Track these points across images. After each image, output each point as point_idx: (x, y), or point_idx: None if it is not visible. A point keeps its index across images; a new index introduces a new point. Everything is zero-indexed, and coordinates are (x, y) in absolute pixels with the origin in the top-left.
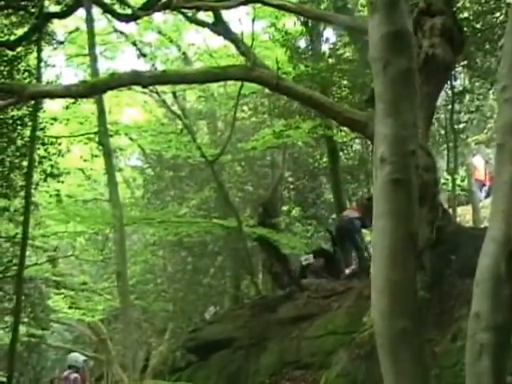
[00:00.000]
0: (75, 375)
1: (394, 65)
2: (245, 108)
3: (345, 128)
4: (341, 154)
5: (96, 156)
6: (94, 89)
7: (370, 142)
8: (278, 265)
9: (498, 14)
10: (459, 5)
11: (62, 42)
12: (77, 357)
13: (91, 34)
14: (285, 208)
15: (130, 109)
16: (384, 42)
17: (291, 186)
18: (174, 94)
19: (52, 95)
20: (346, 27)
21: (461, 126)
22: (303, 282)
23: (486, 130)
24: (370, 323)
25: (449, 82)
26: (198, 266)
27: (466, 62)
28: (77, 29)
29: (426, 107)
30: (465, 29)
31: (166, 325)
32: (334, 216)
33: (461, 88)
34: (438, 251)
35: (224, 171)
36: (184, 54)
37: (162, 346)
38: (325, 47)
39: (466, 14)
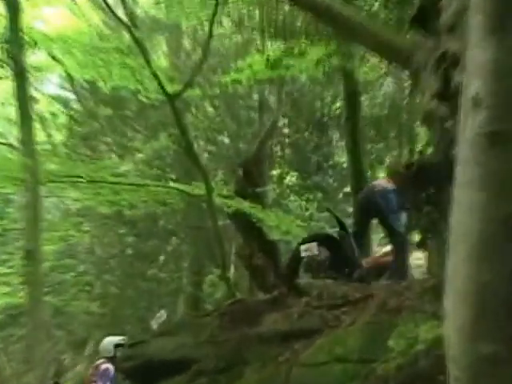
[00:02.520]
0: None
1: None
2: (225, 20)
3: (373, 60)
4: (363, 98)
5: None
6: None
7: (409, 82)
8: (262, 255)
9: None
10: None
11: None
12: None
13: None
14: (276, 172)
15: (49, 9)
16: None
17: (287, 141)
18: None
19: None
20: None
21: None
22: (300, 282)
23: None
24: (398, 348)
25: None
26: (143, 251)
27: None
28: None
29: None
30: None
31: (88, 334)
32: (347, 189)
33: None
34: None
35: (189, 113)
36: None
37: (80, 364)
38: None
39: None
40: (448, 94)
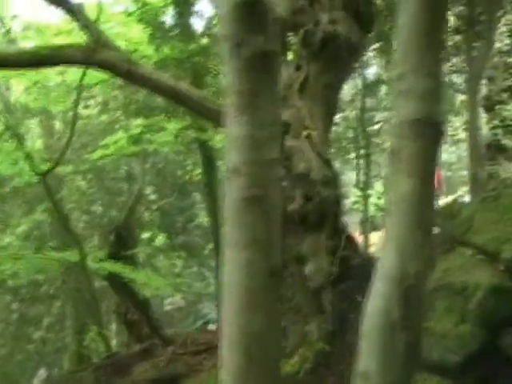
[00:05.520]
0: None
1: (248, 45)
2: (92, 103)
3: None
4: (220, 163)
5: None
6: None
7: None
8: (136, 311)
9: None
10: None
11: None
12: None
13: None
14: (146, 235)
15: None
16: (234, 15)
17: (154, 206)
18: None
19: None
20: None
21: (375, 127)
22: (167, 332)
23: None
24: None
25: (358, 71)
26: (28, 315)
27: (379, 45)
28: None
29: (326, 102)
30: (377, 1)
31: None
32: (211, 245)
33: (374, 78)
34: (341, 289)
35: (64, 186)
36: (8, 30)
37: None
38: (198, 24)
39: None
40: (282, 158)
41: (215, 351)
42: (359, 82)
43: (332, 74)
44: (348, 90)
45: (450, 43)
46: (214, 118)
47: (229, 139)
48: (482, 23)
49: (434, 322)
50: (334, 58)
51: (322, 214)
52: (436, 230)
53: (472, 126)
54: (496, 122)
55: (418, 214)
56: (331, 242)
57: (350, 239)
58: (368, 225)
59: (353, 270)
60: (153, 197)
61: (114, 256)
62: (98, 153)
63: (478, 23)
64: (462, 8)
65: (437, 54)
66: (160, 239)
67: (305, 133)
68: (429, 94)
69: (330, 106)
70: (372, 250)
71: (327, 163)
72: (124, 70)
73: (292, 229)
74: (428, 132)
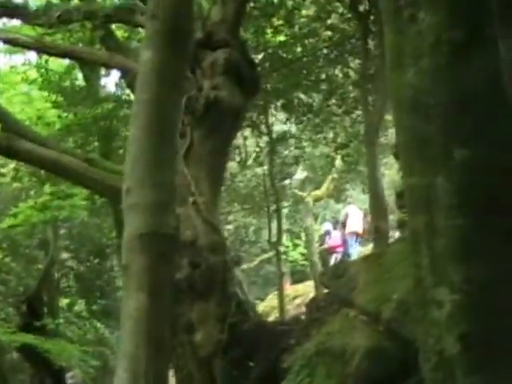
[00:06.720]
0: None
1: None
2: (5, 171)
3: None
4: None
5: None
6: None
7: None
8: (51, 381)
9: (319, 38)
10: (273, 27)
11: None
12: None
13: None
14: (64, 302)
15: None
16: None
17: (72, 272)
18: None
19: None
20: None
21: (288, 181)
22: None
23: (326, 183)
24: None
25: (265, 127)
26: None
27: (281, 102)
28: None
29: (212, 167)
30: (285, 55)
31: None
32: None
33: (278, 134)
34: (231, 356)
35: None
36: None
37: None
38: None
39: (281, 38)
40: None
41: None
42: (265, 138)
43: (217, 139)
44: (254, 147)
45: (351, 95)
46: (97, 188)
47: None
48: (376, 77)
49: None
50: (218, 123)
51: (209, 281)
52: (325, 291)
53: (372, 178)
54: None
55: (147, 329)
56: (220, 309)
57: (241, 304)
58: (281, 280)
59: (243, 336)
60: (69, 263)
61: (27, 326)
62: (7, 222)
63: (373, 77)
64: (358, 62)
65: (166, 168)
66: (79, 305)
67: (191, 199)
68: (156, 208)
69: (217, 170)
70: (298, 301)
71: (215, 229)
72: (4, 147)
73: (181, 297)
74: (156, 246)
